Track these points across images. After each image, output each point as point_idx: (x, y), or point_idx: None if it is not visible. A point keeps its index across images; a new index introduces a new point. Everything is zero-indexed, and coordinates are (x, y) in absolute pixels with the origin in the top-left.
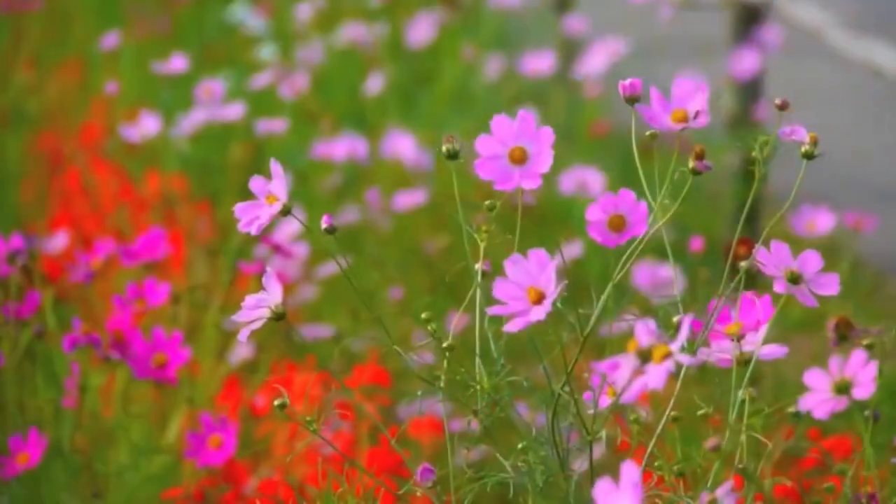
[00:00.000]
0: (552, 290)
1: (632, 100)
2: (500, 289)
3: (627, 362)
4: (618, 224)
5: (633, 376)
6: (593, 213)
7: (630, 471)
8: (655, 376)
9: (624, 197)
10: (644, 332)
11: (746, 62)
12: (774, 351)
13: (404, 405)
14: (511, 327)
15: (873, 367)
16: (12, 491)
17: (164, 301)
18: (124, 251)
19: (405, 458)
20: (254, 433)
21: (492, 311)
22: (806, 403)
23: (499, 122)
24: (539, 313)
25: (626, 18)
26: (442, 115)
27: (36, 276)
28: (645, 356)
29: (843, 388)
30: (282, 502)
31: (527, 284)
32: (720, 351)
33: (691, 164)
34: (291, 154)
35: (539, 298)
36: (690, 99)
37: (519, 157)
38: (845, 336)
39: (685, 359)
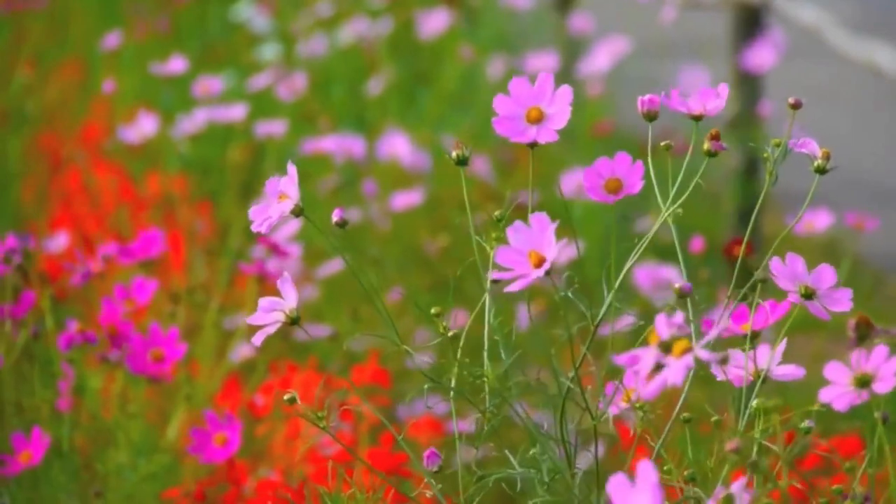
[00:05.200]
0: (552, 251)
1: (650, 116)
2: (502, 256)
3: (649, 355)
4: (615, 186)
5: (653, 369)
6: (590, 179)
7: (648, 470)
8: (675, 372)
9: (620, 160)
10: (664, 324)
11: (760, 57)
12: (791, 371)
13: (404, 405)
14: (512, 288)
15: (895, 362)
16: (11, 491)
17: (152, 298)
18: (121, 251)
19: (409, 457)
20: (253, 433)
21: (495, 275)
22: (826, 395)
23: (517, 83)
24: (539, 273)
25: (626, 18)
26: (442, 115)
27: (33, 275)
28: (667, 348)
29: (864, 382)
30: (291, 502)
31: (528, 249)
32: (735, 366)
33: (707, 145)
34: (290, 154)
35: (540, 262)
36: (709, 99)
37: (536, 117)
38: (865, 336)
39: (705, 354)
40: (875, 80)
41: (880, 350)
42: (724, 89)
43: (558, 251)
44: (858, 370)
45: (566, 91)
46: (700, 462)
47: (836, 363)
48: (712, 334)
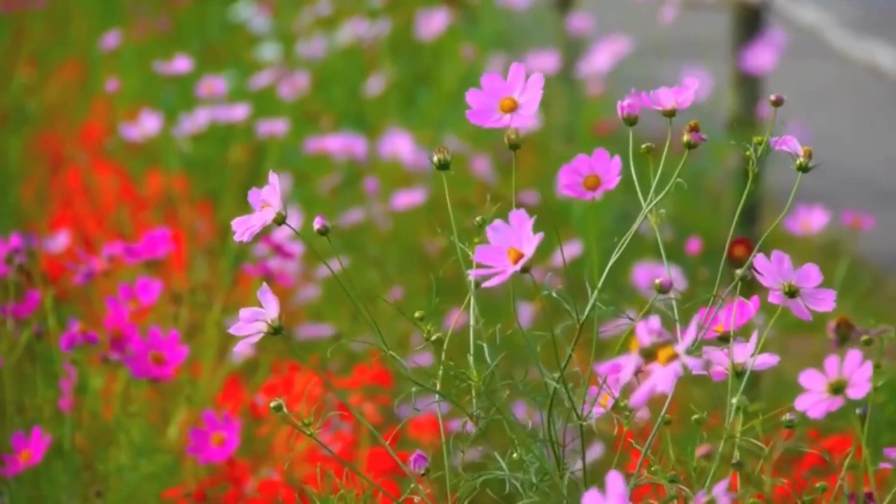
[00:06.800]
0: (530, 245)
1: (629, 120)
2: (482, 254)
3: (630, 361)
4: (593, 183)
5: (637, 375)
6: (568, 176)
7: (616, 481)
8: (663, 379)
9: (598, 157)
10: (645, 331)
11: (759, 59)
12: (767, 360)
13: (404, 405)
14: (490, 284)
15: (868, 367)
16: (12, 491)
17: (157, 299)
18: (126, 250)
19: (401, 462)
20: (254, 433)
21: (474, 273)
22: (801, 404)
23: (489, 78)
24: (516, 268)
25: (626, 18)
26: (443, 115)
27: (35, 275)
28: (648, 355)
29: (837, 389)
30: (282, 503)
31: (507, 246)
32: (715, 362)
33: (686, 136)
34: (291, 154)
35: (518, 258)
36: (679, 94)
37: (509, 107)
38: (846, 337)
39: (692, 362)
40: (875, 81)
41: (854, 355)
42: (693, 83)
43: (536, 245)
44: (835, 377)
45: (537, 78)
46: (685, 462)
47: (811, 370)
48: (687, 340)
